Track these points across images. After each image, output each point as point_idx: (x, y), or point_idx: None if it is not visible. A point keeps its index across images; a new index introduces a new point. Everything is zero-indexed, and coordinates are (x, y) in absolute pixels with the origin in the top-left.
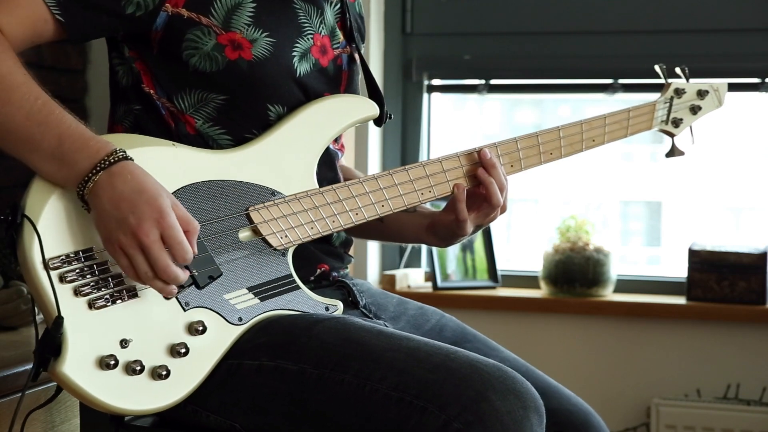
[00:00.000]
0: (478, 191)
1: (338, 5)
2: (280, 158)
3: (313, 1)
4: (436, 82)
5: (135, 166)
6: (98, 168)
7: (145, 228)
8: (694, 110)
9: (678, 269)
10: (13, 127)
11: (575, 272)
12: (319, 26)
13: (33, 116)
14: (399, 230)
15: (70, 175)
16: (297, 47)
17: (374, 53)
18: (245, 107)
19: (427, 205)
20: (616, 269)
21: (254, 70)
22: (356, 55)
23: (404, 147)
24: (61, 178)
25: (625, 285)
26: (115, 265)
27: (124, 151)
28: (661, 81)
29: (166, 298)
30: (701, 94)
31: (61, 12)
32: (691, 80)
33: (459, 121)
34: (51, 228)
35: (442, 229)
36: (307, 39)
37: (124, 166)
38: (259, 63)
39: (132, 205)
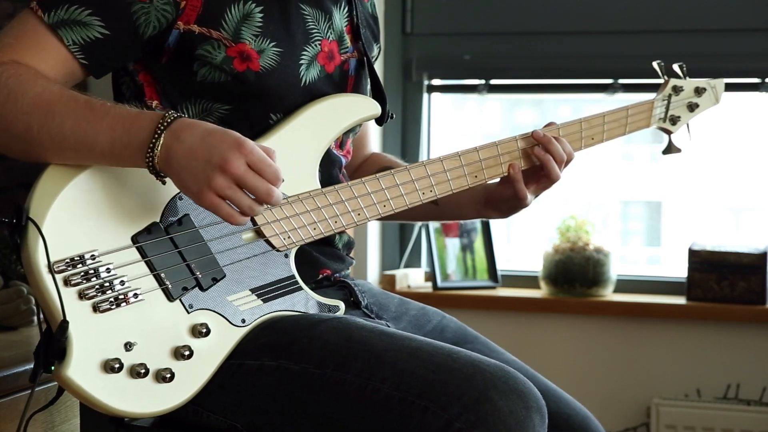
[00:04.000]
0: (535, 169)
1: (347, 8)
2: (282, 159)
3: (321, 6)
4: (436, 82)
5: (189, 119)
6: (158, 131)
7: (232, 162)
8: (692, 107)
9: (678, 269)
10: (67, 135)
11: (575, 272)
12: (327, 31)
13: (79, 117)
14: (457, 210)
15: (133, 152)
16: (304, 55)
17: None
18: (249, 117)
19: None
20: (616, 269)
21: (261, 81)
22: (365, 59)
23: (404, 147)
24: (126, 159)
25: (625, 285)
26: (120, 267)
27: (174, 111)
28: (661, 81)
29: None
30: (699, 91)
31: (84, 56)
32: (689, 77)
33: (459, 121)
34: (55, 231)
35: (501, 203)
36: (315, 45)
37: (183, 121)
38: (266, 74)
39: (209, 148)
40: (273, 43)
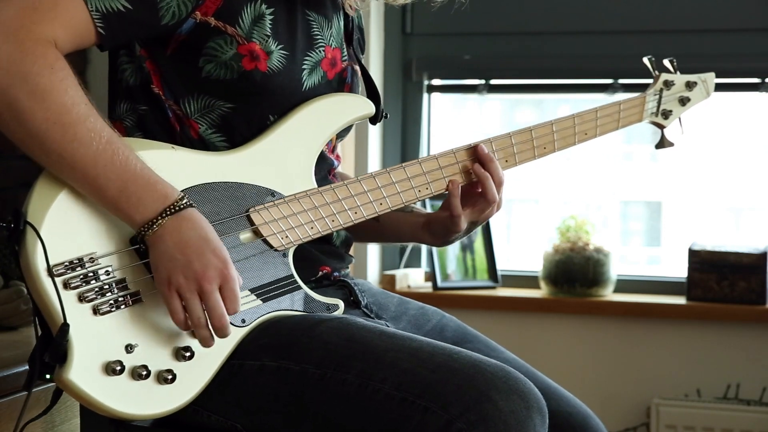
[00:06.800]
0: (473, 187)
1: (344, 17)
2: (279, 158)
3: (325, 14)
4: (436, 82)
5: (198, 213)
6: (166, 213)
7: (209, 275)
8: (683, 101)
9: (678, 269)
10: (79, 165)
11: (575, 272)
12: (330, 38)
13: (99, 156)
14: (396, 230)
15: (133, 216)
16: (307, 60)
17: (374, 53)
18: (249, 117)
19: (427, 207)
20: (616, 269)
21: (266, 82)
22: (357, 67)
23: (404, 147)
24: (122, 216)
25: (625, 285)
26: (119, 269)
27: (188, 198)
28: (649, 67)
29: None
30: (689, 85)
31: (104, 25)
32: (679, 72)
33: (459, 121)
34: (54, 234)
35: (437, 226)
36: (319, 51)
37: (191, 213)
38: (272, 75)
39: (198, 252)
40: (281, 46)
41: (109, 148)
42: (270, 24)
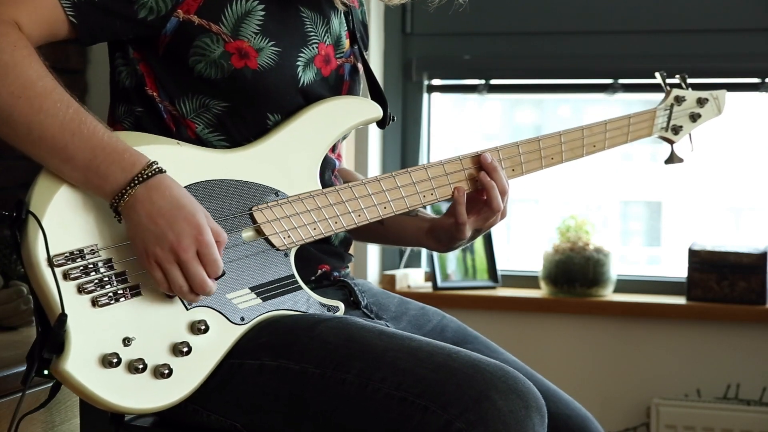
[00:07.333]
0: (478, 195)
1: (345, 14)
2: (284, 158)
3: (320, 10)
4: (436, 82)
5: (170, 179)
6: (135, 182)
7: (184, 244)
8: (694, 118)
9: (678, 269)
10: (47, 135)
11: (575, 272)
12: (325, 35)
13: (66, 125)
14: (400, 233)
15: (103, 186)
16: (301, 56)
17: (374, 53)
18: (245, 115)
19: (428, 211)
20: (616, 269)
21: (258, 80)
22: (359, 64)
23: (404, 147)
24: (93, 188)
25: (625, 285)
26: (119, 262)
27: (158, 164)
28: (661, 84)
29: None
30: (701, 101)
31: (75, 14)
32: (691, 88)
33: (459, 121)
34: (56, 225)
35: (441, 232)
36: (312, 48)
37: (161, 179)
38: (263, 72)
39: (171, 221)
40: (272, 43)
41: (76, 117)
42: (259, 20)
